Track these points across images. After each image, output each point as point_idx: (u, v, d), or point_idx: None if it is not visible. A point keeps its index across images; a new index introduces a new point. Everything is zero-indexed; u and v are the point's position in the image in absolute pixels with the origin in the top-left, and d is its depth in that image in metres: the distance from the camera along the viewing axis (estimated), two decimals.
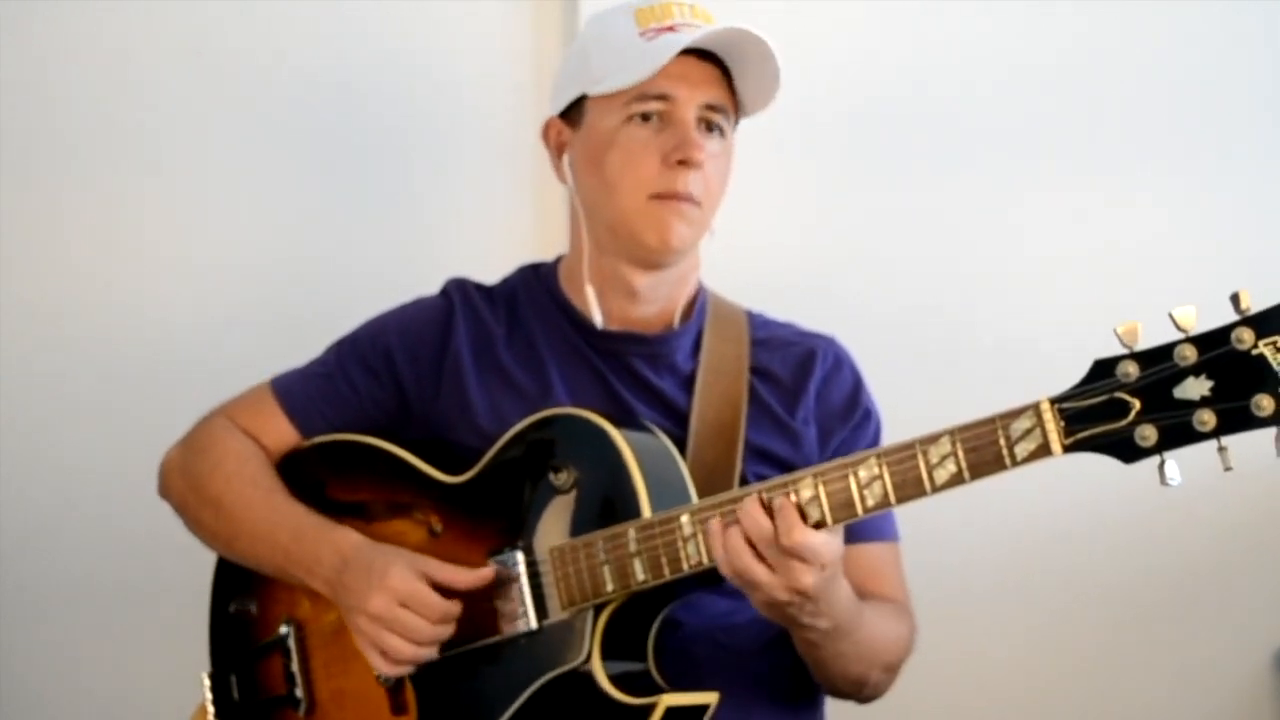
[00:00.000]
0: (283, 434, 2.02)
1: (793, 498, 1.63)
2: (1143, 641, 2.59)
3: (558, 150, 2.01)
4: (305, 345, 2.10)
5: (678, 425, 1.92)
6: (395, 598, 1.80)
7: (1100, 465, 1.58)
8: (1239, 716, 2.59)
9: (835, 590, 1.70)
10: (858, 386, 2.02)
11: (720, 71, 1.92)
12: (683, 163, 1.88)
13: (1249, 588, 2.60)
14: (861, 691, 1.89)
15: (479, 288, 2.07)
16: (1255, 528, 2.58)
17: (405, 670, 1.85)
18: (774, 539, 1.62)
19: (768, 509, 1.63)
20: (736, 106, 1.95)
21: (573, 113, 1.98)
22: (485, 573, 1.81)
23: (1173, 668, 2.59)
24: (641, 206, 1.91)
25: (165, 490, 2.08)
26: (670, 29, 1.90)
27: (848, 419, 1.99)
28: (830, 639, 1.75)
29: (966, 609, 2.52)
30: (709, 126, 1.92)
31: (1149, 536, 2.58)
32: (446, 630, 1.81)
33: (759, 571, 1.63)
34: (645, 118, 1.90)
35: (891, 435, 2.01)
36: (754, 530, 1.63)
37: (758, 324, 2.05)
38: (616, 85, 1.89)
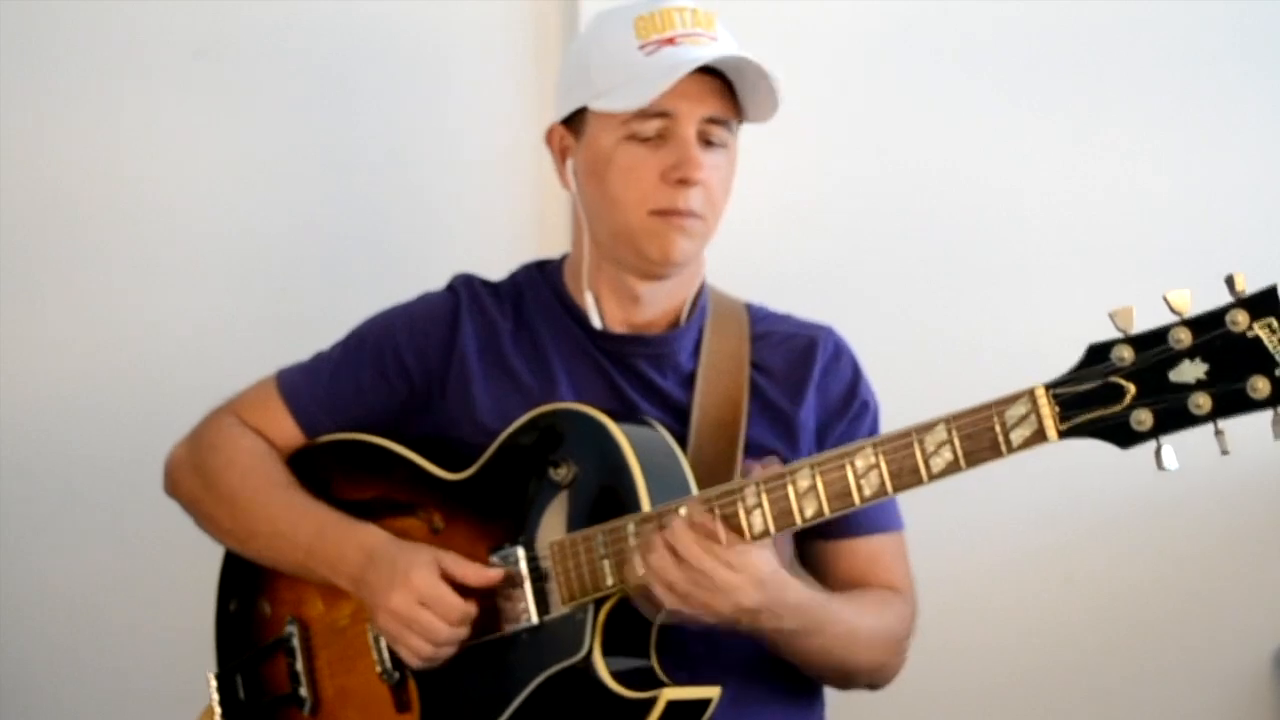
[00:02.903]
0: (288, 433, 2.03)
1: (789, 488, 1.65)
2: (1143, 641, 2.59)
3: (561, 156, 2.00)
4: (305, 343, 2.10)
5: (680, 423, 1.92)
6: (416, 597, 1.81)
7: (1099, 462, 1.59)
8: (1239, 716, 2.59)
9: (784, 596, 1.72)
10: (856, 377, 2.02)
11: (722, 82, 1.90)
12: (682, 181, 1.88)
13: (1249, 588, 2.60)
14: (852, 682, 1.90)
15: (485, 283, 2.06)
16: (1255, 527, 2.59)
17: (427, 665, 1.85)
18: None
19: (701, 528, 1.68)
20: (739, 112, 1.93)
21: (575, 121, 1.97)
22: (495, 573, 1.82)
23: (1173, 668, 2.59)
24: (643, 222, 1.90)
25: (173, 488, 2.09)
26: (670, 41, 1.89)
27: (846, 410, 1.99)
28: (797, 639, 1.77)
29: (965, 607, 2.51)
30: (710, 139, 1.91)
31: (1149, 536, 2.58)
32: (463, 631, 1.82)
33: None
34: (645, 135, 1.90)
35: (892, 422, 2.02)
36: (685, 552, 1.67)
37: (757, 318, 2.04)
38: (617, 106, 1.88)
